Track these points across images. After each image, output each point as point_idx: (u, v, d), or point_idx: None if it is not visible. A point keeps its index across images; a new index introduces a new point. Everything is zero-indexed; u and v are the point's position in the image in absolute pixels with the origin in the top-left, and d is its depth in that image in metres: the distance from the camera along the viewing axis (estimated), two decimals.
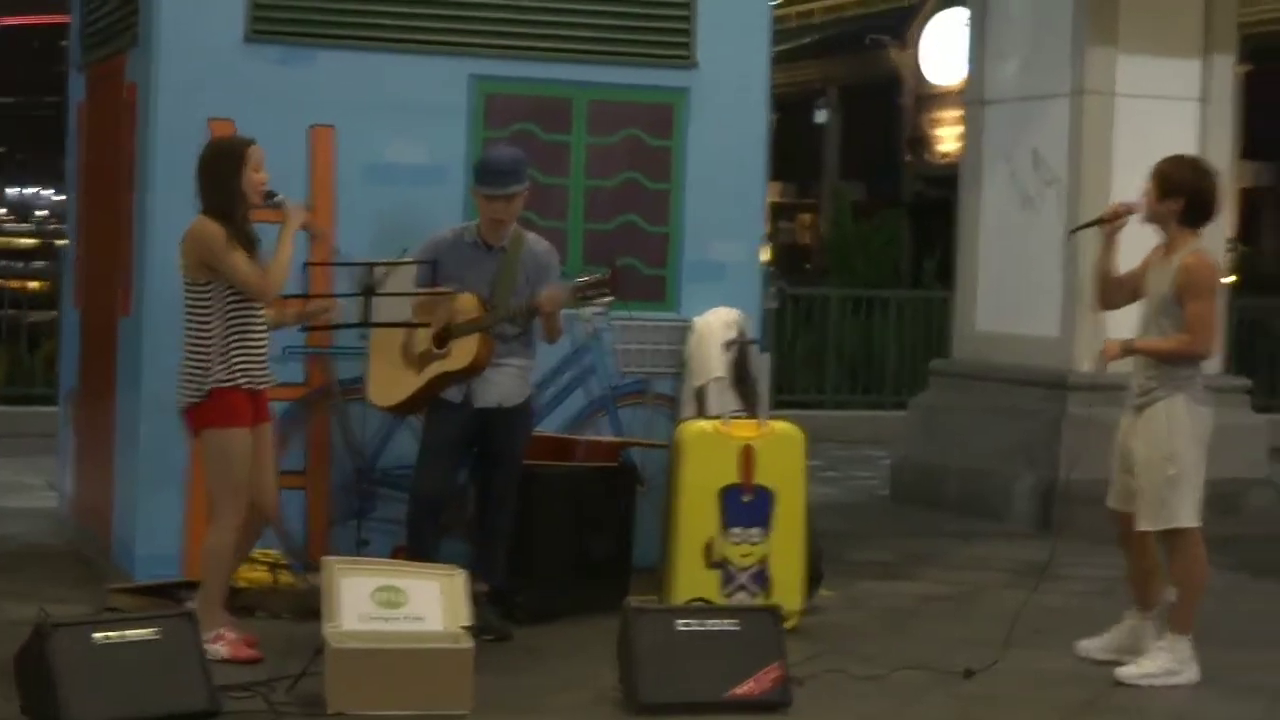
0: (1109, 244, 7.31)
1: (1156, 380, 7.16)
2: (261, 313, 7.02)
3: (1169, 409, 7.14)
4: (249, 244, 6.94)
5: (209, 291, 6.95)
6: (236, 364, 6.93)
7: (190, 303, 7.01)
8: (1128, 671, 7.16)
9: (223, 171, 6.99)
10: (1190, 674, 7.16)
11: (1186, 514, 7.16)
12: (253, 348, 6.96)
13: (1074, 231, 7.11)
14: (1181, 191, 7.18)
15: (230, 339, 6.93)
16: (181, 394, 7.02)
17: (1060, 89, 11.44)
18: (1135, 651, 7.33)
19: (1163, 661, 7.15)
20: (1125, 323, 7.63)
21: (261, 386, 7.01)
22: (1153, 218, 7.25)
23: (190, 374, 6.98)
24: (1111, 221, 7.27)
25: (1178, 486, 7.13)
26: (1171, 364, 7.16)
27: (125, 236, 8.38)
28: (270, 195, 6.99)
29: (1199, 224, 7.26)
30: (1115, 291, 7.40)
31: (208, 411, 6.96)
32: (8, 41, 46.87)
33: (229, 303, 6.93)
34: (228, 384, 6.92)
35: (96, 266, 9.18)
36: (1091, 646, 7.44)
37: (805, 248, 34.20)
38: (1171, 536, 7.21)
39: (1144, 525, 7.19)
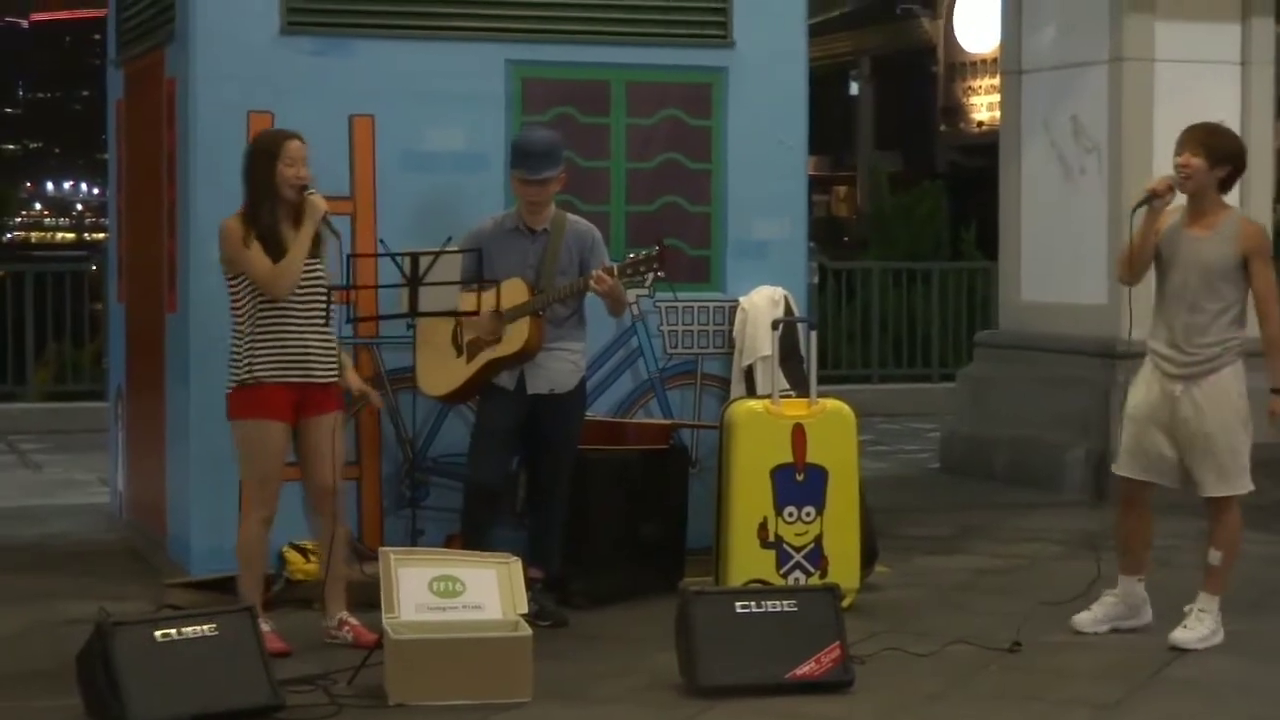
0: (1158, 217, 7.23)
1: (1221, 346, 7.17)
2: (310, 309, 6.98)
3: (1235, 374, 7.20)
4: (275, 242, 6.91)
5: (238, 286, 6.99)
6: (261, 359, 6.92)
7: (229, 297, 7.07)
8: (1185, 636, 7.16)
9: (255, 168, 7.00)
10: (1220, 635, 7.23)
11: (1249, 477, 7.26)
12: (284, 343, 6.93)
13: (1136, 209, 7.17)
14: (1230, 159, 7.23)
15: (256, 335, 6.94)
16: (226, 380, 7.10)
17: (1098, 56, 11.37)
18: (1135, 617, 7.37)
19: (1209, 624, 7.20)
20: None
21: (297, 381, 6.97)
22: (1198, 187, 7.21)
23: (229, 363, 7.04)
24: (1163, 195, 7.22)
25: (1245, 450, 7.22)
26: (1237, 328, 7.20)
27: (168, 233, 8.40)
28: (305, 189, 6.96)
29: (1230, 190, 7.32)
30: (1146, 266, 7.37)
31: (235, 402, 7.02)
32: (41, 37, 47.01)
33: (257, 299, 6.94)
34: (251, 380, 6.94)
35: (140, 262, 9.19)
36: (1085, 620, 7.39)
37: (843, 220, 34.12)
38: (1224, 501, 7.23)
39: (1220, 491, 7.20)
